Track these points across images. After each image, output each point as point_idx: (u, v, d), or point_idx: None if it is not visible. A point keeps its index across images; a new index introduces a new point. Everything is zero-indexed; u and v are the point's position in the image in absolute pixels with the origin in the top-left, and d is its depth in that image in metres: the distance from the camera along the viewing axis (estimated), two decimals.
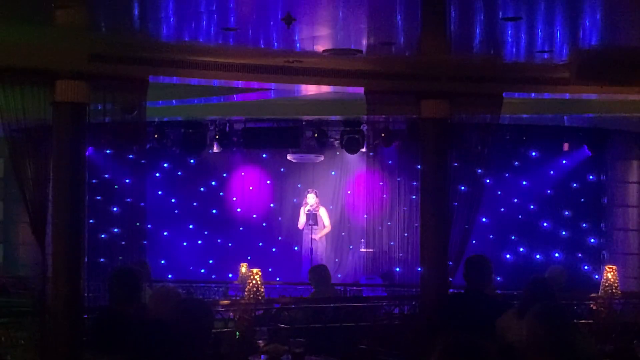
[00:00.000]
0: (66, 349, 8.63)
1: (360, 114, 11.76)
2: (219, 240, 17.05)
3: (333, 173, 17.21)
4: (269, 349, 8.14)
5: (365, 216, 14.98)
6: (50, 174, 9.05)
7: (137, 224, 10.34)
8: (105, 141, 10.14)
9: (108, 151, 11.63)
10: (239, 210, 17.21)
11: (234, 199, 17.26)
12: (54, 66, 8.89)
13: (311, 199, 16.24)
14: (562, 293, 8.70)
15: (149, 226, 13.18)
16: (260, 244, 16.98)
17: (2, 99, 8.79)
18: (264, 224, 17.26)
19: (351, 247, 16.99)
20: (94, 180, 11.08)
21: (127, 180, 10.21)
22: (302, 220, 16.22)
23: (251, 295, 10.16)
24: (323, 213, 16.35)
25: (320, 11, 7.77)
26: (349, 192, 17.11)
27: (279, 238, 17.24)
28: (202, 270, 16.80)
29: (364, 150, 15.20)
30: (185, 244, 16.98)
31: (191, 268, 16.68)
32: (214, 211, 17.18)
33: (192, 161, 16.90)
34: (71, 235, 8.88)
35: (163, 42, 8.91)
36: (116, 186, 10.37)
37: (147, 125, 11.39)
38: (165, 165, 16.91)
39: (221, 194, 17.26)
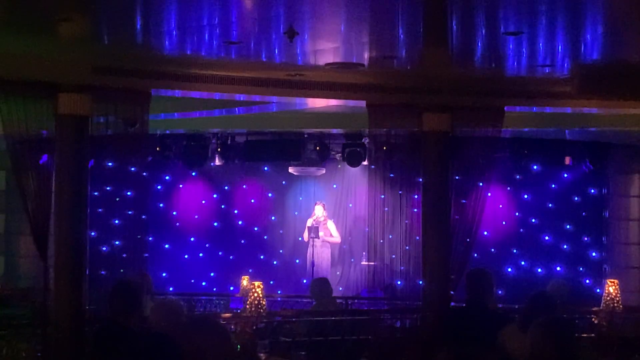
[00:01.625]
0: None
1: (362, 127, 11.79)
2: (220, 253, 17.03)
3: (335, 186, 17.21)
4: None
5: (367, 229, 14.96)
6: (53, 186, 9.06)
7: (139, 236, 10.35)
8: (107, 153, 10.16)
9: (110, 163, 11.65)
10: (240, 223, 17.21)
11: (236, 211, 17.26)
12: (57, 79, 8.91)
13: (318, 210, 16.25)
14: (563, 307, 8.69)
15: (150, 238, 13.20)
16: (262, 257, 16.98)
17: (5, 111, 8.82)
18: (265, 237, 17.25)
19: (352, 260, 16.98)
20: (95, 193, 11.08)
21: (128, 193, 10.22)
22: (306, 232, 16.25)
23: (252, 308, 10.15)
24: (331, 225, 16.35)
25: (323, 25, 7.79)
26: (350, 205, 17.11)
27: (281, 251, 17.23)
28: (204, 283, 16.78)
29: (365, 163, 15.20)
30: (186, 256, 16.97)
31: (192, 281, 16.67)
32: (215, 224, 17.18)
33: (193, 174, 16.91)
34: (73, 247, 8.89)
35: (165, 55, 8.93)
36: (118, 198, 10.38)
37: (149, 137, 11.39)
38: (167, 177, 16.92)
39: (223, 206, 17.26)
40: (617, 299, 11.03)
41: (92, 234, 9.75)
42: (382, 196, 15.07)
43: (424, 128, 10.15)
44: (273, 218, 17.36)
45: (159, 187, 16.67)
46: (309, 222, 16.28)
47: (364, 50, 8.85)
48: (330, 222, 16.42)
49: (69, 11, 7.09)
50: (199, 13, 7.30)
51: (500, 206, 15.89)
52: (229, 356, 4.28)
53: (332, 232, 16.34)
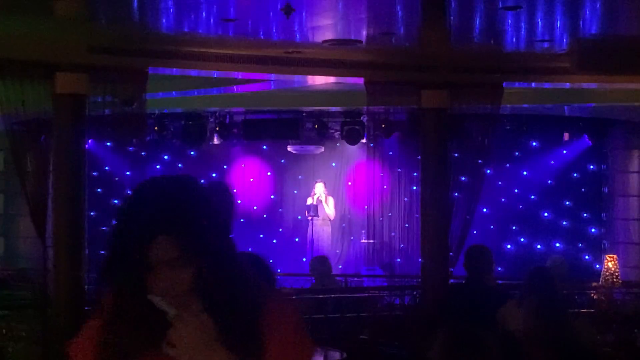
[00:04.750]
0: (67, 341, 8.63)
1: (360, 104, 11.76)
2: None
3: (333, 164, 17.20)
4: None
5: (366, 207, 14.98)
6: (51, 167, 9.05)
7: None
8: (105, 134, 10.14)
9: (108, 144, 11.64)
10: (239, 202, 17.19)
11: (235, 190, 17.23)
12: (54, 58, 8.87)
13: (317, 188, 16.26)
14: (562, 283, 8.71)
15: None
16: (261, 236, 16.98)
17: (1, 92, 8.78)
18: (264, 216, 17.26)
19: (352, 238, 17.00)
20: (94, 173, 11.09)
21: (127, 173, 10.22)
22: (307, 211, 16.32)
23: None
24: (330, 202, 16.38)
25: (320, 1, 7.76)
26: (349, 183, 17.11)
27: (280, 229, 17.24)
28: None
29: (364, 141, 15.19)
30: None
31: None
32: None
33: (192, 153, 16.89)
34: (72, 227, 8.88)
35: (162, 33, 8.89)
36: (116, 178, 10.40)
37: (147, 117, 11.37)
38: (166, 157, 16.90)
39: None
40: (616, 274, 11.06)
41: (91, 214, 9.73)
42: (381, 174, 15.10)
43: (422, 105, 10.12)
44: (272, 197, 17.36)
45: (157, 166, 16.65)
46: (309, 201, 16.29)
47: (361, 27, 8.81)
48: (330, 198, 16.44)
49: None
50: None
51: (499, 183, 15.88)
52: None
53: (328, 207, 16.35)
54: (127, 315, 2.15)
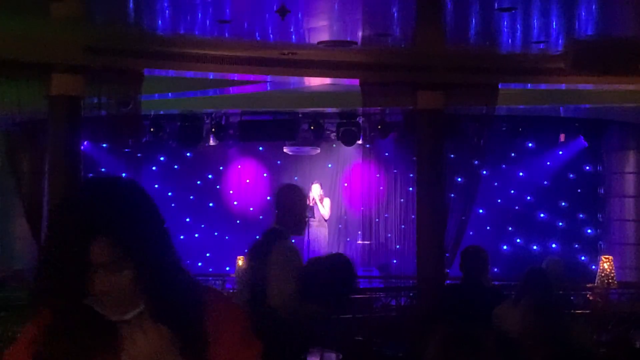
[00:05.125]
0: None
1: (356, 106, 11.77)
2: (216, 234, 17.04)
3: (329, 165, 17.20)
4: None
5: (362, 208, 14.98)
6: (46, 168, 9.04)
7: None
8: (101, 134, 10.14)
9: (104, 145, 11.63)
10: (235, 203, 17.20)
11: (231, 192, 17.25)
12: (49, 59, 8.87)
13: (314, 189, 16.26)
14: (559, 283, 8.70)
15: None
16: (258, 237, 16.92)
17: None
18: (260, 217, 17.23)
19: (348, 239, 16.99)
20: (89, 174, 11.07)
21: (123, 174, 10.20)
22: None
23: None
24: (326, 202, 16.37)
25: (315, 2, 7.76)
26: (345, 184, 17.11)
27: None
28: (199, 264, 16.79)
29: (360, 142, 15.19)
30: (182, 237, 16.96)
31: (188, 262, 16.36)
32: (210, 204, 17.17)
33: (188, 154, 16.88)
34: None
35: (158, 34, 8.89)
36: None
37: (143, 118, 11.37)
38: (162, 158, 16.89)
39: (218, 187, 17.25)
40: (612, 275, 11.08)
41: None
42: (377, 175, 15.11)
43: (418, 106, 10.12)
44: (268, 198, 17.35)
45: (153, 167, 16.65)
46: (311, 200, 16.29)
47: (357, 28, 8.81)
48: (327, 199, 16.44)
49: None
50: None
51: (495, 184, 15.89)
52: None
53: (324, 208, 16.34)
54: (66, 321, 2.09)
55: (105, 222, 2.03)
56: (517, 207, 16.20)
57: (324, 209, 16.33)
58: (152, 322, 2.07)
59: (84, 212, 2.04)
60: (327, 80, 11.22)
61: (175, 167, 17.04)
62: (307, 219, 6.59)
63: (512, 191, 16.26)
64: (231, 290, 12.34)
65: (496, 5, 7.54)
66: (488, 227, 15.77)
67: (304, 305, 5.82)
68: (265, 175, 17.33)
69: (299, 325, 5.80)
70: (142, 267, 2.07)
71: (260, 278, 6.00)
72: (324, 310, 5.71)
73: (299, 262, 6.20)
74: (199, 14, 8.19)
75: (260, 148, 17.10)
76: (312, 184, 16.35)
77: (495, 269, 13.86)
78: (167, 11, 8.10)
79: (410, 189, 12.08)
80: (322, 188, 16.34)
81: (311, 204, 16.17)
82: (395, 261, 15.23)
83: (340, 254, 6.24)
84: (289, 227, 6.43)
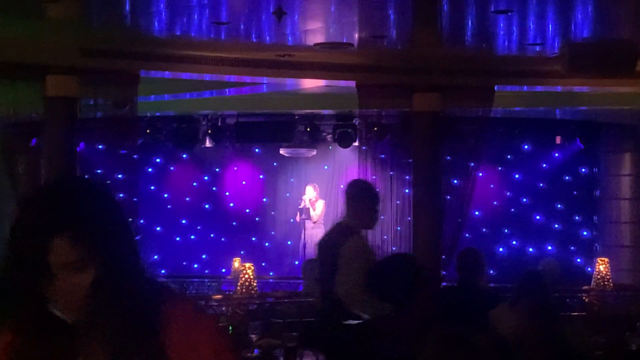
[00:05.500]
0: None
1: (352, 107, 11.76)
2: (212, 235, 17.02)
3: (326, 167, 17.19)
4: (262, 344, 8.14)
5: None
6: (42, 169, 9.03)
7: (130, 219, 10.28)
8: (97, 136, 10.12)
9: (100, 146, 11.60)
10: (231, 205, 17.18)
11: (227, 193, 17.23)
12: (45, 61, 8.86)
13: (308, 192, 16.24)
14: (555, 286, 8.72)
15: (141, 221, 13.16)
16: (254, 239, 16.96)
17: None
18: (257, 219, 17.24)
19: None
20: (86, 176, 11.06)
21: (119, 176, 10.19)
22: (298, 214, 16.27)
23: (244, 290, 10.17)
24: (319, 205, 16.35)
25: (311, 4, 7.76)
26: (341, 186, 17.06)
27: (272, 233, 17.22)
28: (195, 266, 16.77)
29: (356, 144, 15.18)
30: (178, 239, 16.95)
31: (184, 263, 16.65)
32: (206, 206, 17.15)
33: (184, 156, 16.86)
34: None
35: (154, 36, 8.89)
36: (108, 181, 10.35)
37: (139, 120, 11.35)
38: (158, 160, 16.87)
39: (214, 188, 17.23)
40: (608, 277, 11.08)
41: None
42: (374, 177, 15.07)
43: (414, 108, 10.13)
44: (264, 200, 17.34)
45: (149, 169, 16.63)
46: (302, 204, 16.27)
47: (353, 30, 8.82)
48: (320, 202, 16.41)
49: None
50: None
51: (492, 186, 15.88)
52: None
53: (314, 210, 16.33)
54: (30, 327, 2.03)
55: (68, 219, 1.98)
56: (513, 209, 16.20)
57: (314, 211, 16.31)
58: (108, 328, 2.01)
59: (43, 211, 2.00)
60: (323, 82, 11.22)
61: (171, 168, 17.03)
62: (377, 214, 6.67)
63: (508, 193, 16.26)
64: (227, 292, 12.34)
65: (492, 7, 7.54)
66: (484, 229, 15.77)
67: (374, 301, 5.92)
68: (261, 177, 17.31)
69: (366, 322, 5.92)
70: (104, 267, 2.00)
71: (331, 272, 6.09)
72: (394, 307, 5.81)
73: (371, 258, 6.30)
74: (195, 16, 8.19)
75: (257, 150, 17.09)
76: (306, 186, 16.34)
77: (491, 271, 13.85)
78: (163, 13, 8.10)
79: (407, 191, 12.07)
80: (315, 190, 16.33)
81: (308, 206, 16.16)
82: None
83: (406, 254, 6.39)
84: (360, 222, 6.46)
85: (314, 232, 16.28)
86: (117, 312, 2.01)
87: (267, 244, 17.06)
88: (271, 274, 15.44)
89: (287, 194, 17.15)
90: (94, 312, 2.00)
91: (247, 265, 10.40)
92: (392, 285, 5.88)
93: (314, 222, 16.36)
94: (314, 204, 16.22)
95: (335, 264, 6.05)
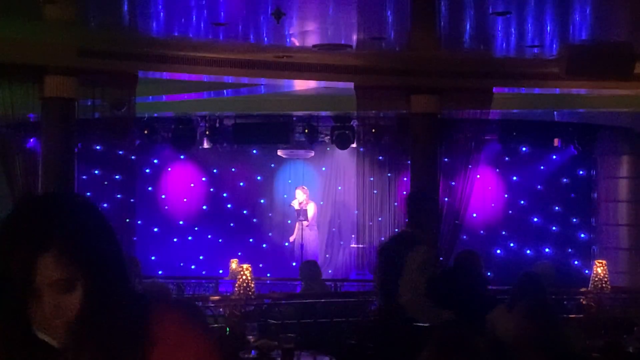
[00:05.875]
0: None
1: (350, 109, 11.77)
2: (209, 236, 17.01)
3: (323, 169, 17.19)
4: (259, 345, 8.12)
5: (356, 212, 14.96)
6: (40, 170, 9.02)
7: (127, 220, 10.31)
8: (94, 137, 10.12)
9: (98, 147, 11.60)
10: (229, 206, 17.17)
11: (225, 194, 17.22)
12: (43, 62, 8.86)
13: (298, 195, 16.25)
14: (551, 288, 8.71)
15: (138, 222, 13.15)
16: (251, 240, 16.95)
17: None
18: (254, 220, 17.23)
19: (342, 242, 16.97)
20: (83, 176, 11.04)
21: (116, 176, 10.19)
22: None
23: (241, 291, 10.16)
24: (310, 208, 16.34)
25: (310, 6, 7.76)
26: (339, 187, 17.08)
27: (270, 234, 17.21)
28: (193, 266, 16.76)
29: (354, 145, 15.18)
30: (175, 240, 16.94)
31: (181, 264, 16.64)
32: (204, 207, 17.14)
33: (182, 157, 16.86)
34: None
35: (152, 37, 8.88)
36: (106, 182, 10.36)
37: (137, 121, 11.35)
38: (155, 161, 16.85)
39: (211, 189, 17.22)
40: (605, 279, 11.07)
41: None
42: (371, 179, 15.06)
43: (412, 110, 10.13)
44: (262, 201, 17.34)
45: (147, 170, 16.61)
46: (296, 205, 16.27)
47: (352, 31, 8.82)
48: (311, 204, 16.42)
49: None
50: None
51: (489, 188, 15.89)
52: None
53: (307, 212, 16.35)
54: (14, 353, 1.91)
55: (54, 235, 1.88)
56: (510, 212, 16.21)
57: (308, 214, 16.31)
58: (95, 349, 1.91)
59: (31, 225, 1.90)
60: (321, 84, 11.22)
61: (169, 169, 17.02)
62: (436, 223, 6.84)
63: (506, 195, 16.26)
64: (225, 293, 12.33)
65: (490, 9, 7.54)
66: (481, 231, 15.78)
67: (437, 311, 5.98)
68: (258, 178, 17.31)
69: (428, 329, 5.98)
70: (92, 287, 1.90)
71: (394, 281, 6.20)
72: (457, 317, 5.87)
73: (435, 267, 6.45)
74: (194, 17, 8.18)
75: (254, 151, 17.08)
76: (296, 189, 16.34)
77: (489, 273, 13.85)
78: (161, 14, 8.09)
79: (404, 192, 12.08)
80: (305, 193, 16.32)
81: (304, 208, 16.17)
82: None
83: (469, 270, 6.52)
84: (423, 231, 6.54)
85: (308, 234, 16.29)
86: (107, 336, 1.92)
87: (264, 245, 17.06)
88: (268, 275, 15.44)
89: (285, 196, 17.15)
90: (82, 335, 1.90)
91: (245, 266, 10.39)
92: (452, 294, 5.97)
93: (306, 225, 16.37)
94: (305, 206, 16.22)
95: (400, 271, 6.17)
